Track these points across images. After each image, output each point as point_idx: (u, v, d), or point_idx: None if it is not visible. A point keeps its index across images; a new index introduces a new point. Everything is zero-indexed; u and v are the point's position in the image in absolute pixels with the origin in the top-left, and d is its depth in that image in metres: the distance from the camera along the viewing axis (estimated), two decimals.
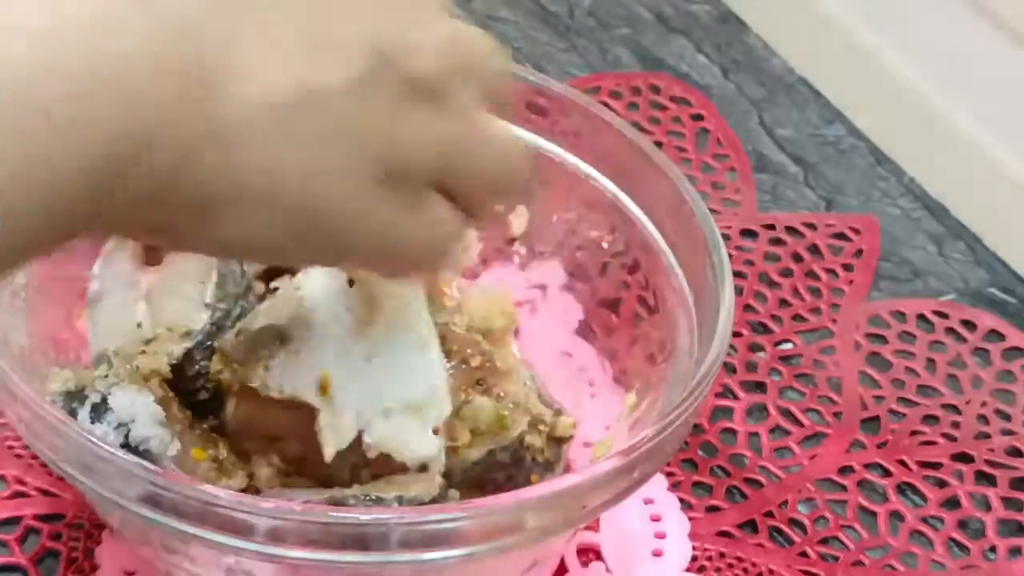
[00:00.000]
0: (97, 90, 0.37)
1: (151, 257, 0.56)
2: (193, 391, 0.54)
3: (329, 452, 0.51)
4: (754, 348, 0.70)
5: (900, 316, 0.72)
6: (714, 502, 0.64)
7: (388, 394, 0.51)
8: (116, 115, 0.37)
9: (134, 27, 0.38)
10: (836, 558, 0.62)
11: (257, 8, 0.41)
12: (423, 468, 0.52)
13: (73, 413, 0.52)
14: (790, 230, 0.76)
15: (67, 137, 0.36)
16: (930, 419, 0.68)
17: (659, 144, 0.78)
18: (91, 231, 0.40)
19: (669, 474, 0.64)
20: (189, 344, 0.54)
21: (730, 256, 0.57)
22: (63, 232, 0.39)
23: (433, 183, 0.45)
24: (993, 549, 0.63)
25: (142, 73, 0.38)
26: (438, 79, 0.43)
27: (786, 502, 0.64)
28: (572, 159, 0.62)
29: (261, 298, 0.55)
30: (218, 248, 0.45)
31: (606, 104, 0.79)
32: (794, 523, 0.63)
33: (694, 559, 0.61)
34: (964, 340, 0.72)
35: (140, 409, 0.52)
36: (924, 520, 0.64)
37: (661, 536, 0.61)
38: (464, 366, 0.54)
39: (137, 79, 0.38)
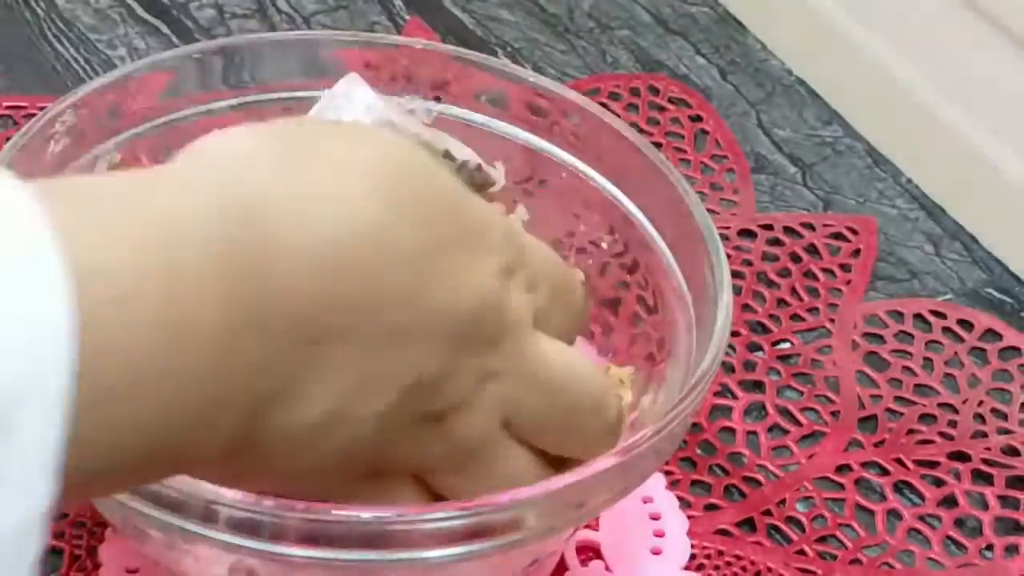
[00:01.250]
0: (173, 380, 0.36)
1: None
2: None
3: None
4: (752, 348, 0.70)
5: (897, 316, 0.73)
6: (713, 500, 0.64)
7: None
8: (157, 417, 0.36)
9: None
10: (834, 556, 0.62)
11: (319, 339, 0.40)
12: None
13: None
14: (788, 230, 0.76)
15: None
16: (927, 418, 0.68)
17: (658, 145, 0.78)
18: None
19: (668, 473, 0.64)
20: None
21: (728, 256, 0.57)
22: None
23: None
24: (990, 547, 0.63)
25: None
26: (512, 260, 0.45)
27: (784, 500, 0.64)
28: (571, 160, 0.62)
29: None
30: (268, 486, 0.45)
31: (605, 105, 0.79)
32: (792, 521, 0.63)
33: (693, 557, 0.61)
34: (961, 340, 0.72)
35: None
36: (921, 519, 0.64)
37: (660, 534, 0.61)
38: None
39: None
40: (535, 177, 0.64)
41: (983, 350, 0.72)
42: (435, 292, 0.42)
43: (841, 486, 0.65)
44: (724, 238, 0.73)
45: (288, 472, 0.42)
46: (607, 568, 0.60)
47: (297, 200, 0.39)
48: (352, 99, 0.56)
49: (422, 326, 0.41)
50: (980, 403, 0.69)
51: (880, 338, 0.72)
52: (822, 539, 0.63)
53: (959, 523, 0.64)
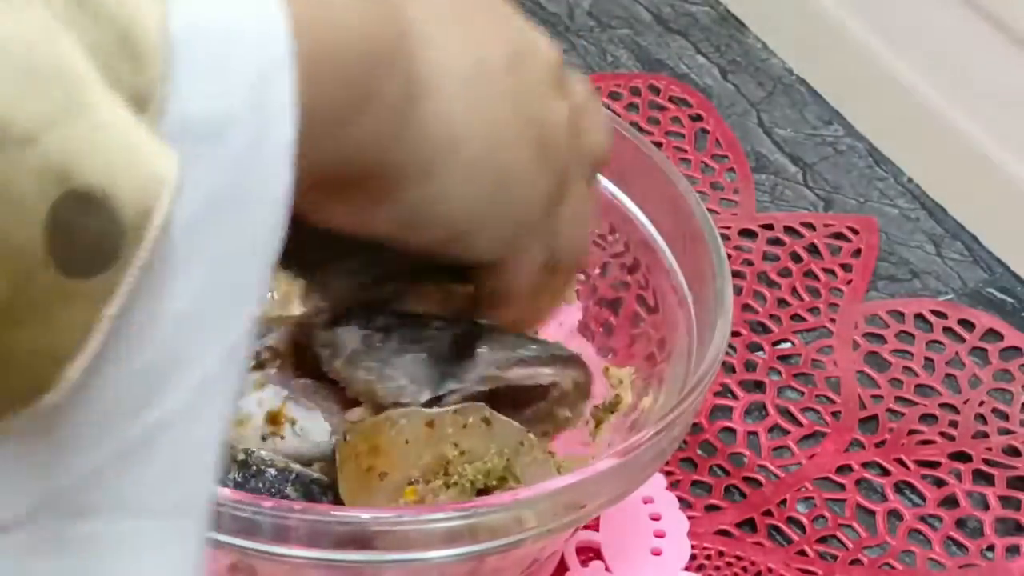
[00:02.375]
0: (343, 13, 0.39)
1: None
2: None
3: None
4: (753, 348, 0.70)
5: (898, 316, 0.73)
6: (713, 501, 0.64)
7: None
8: (361, 30, 0.39)
9: None
10: (834, 557, 0.62)
11: None
12: None
13: None
14: (789, 230, 0.76)
15: (332, 49, 0.38)
16: (928, 418, 0.68)
17: (658, 144, 0.78)
18: (322, 169, 0.40)
19: (668, 473, 0.64)
20: None
21: (729, 256, 0.57)
22: (314, 157, 0.38)
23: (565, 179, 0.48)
24: (991, 548, 0.63)
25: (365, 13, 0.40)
26: (563, 73, 0.48)
27: (785, 501, 0.64)
28: None
29: None
30: (410, 216, 0.45)
31: (606, 105, 0.79)
32: (793, 522, 0.63)
33: (693, 557, 0.61)
34: (962, 340, 0.72)
35: None
36: (922, 519, 0.64)
37: (660, 535, 0.61)
38: None
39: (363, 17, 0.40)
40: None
41: (984, 350, 0.72)
42: None
43: (842, 486, 0.65)
44: (725, 238, 0.73)
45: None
46: (607, 568, 0.60)
47: None
48: None
49: None
50: (981, 403, 0.69)
51: (881, 338, 0.71)
52: (823, 539, 0.63)
53: (960, 523, 0.64)
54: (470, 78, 0.44)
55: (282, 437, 0.52)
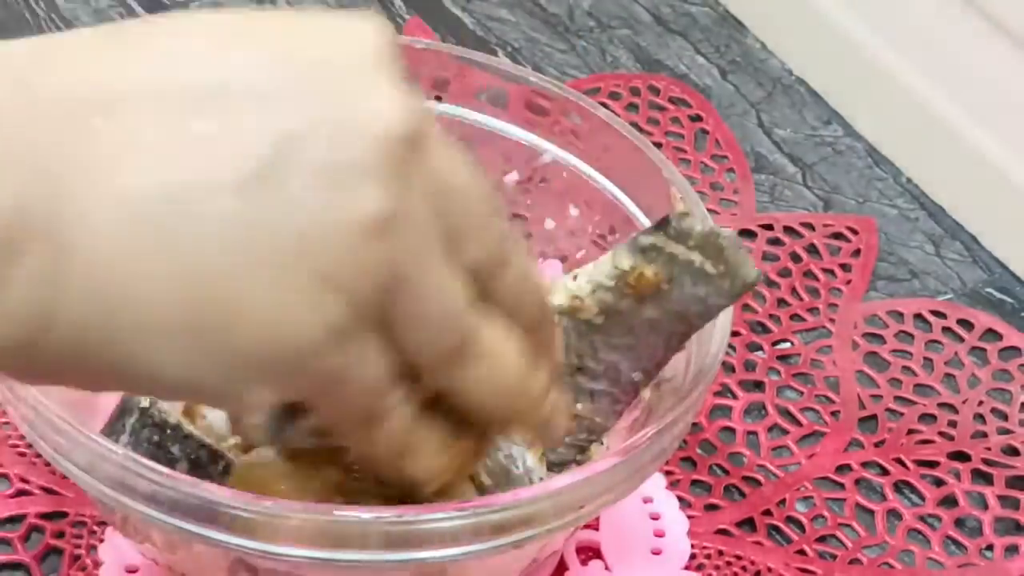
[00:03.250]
0: None
1: None
2: None
3: None
4: (752, 347, 0.70)
5: (897, 316, 0.73)
6: (713, 500, 0.64)
7: None
8: None
9: None
10: (834, 556, 0.62)
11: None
12: None
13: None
14: (788, 230, 0.76)
15: None
16: (927, 418, 0.68)
17: (658, 145, 0.78)
18: None
19: (668, 472, 0.64)
20: None
21: None
22: None
23: None
24: (990, 547, 0.63)
25: None
26: (403, 148, 0.37)
27: (784, 500, 0.64)
28: (572, 159, 0.62)
29: None
30: (122, 385, 0.38)
31: (605, 105, 0.79)
32: (792, 521, 0.63)
33: (693, 557, 0.61)
34: (961, 340, 0.72)
35: None
36: (921, 519, 0.64)
37: (660, 534, 0.61)
38: None
39: None
40: (535, 177, 0.64)
41: (983, 350, 0.72)
42: None
43: (841, 486, 0.65)
44: None
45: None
46: (607, 568, 0.60)
47: None
48: None
49: None
50: (980, 403, 0.69)
51: (880, 338, 0.72)
52: (822, 539, 0.63)
53: (959, 523, 0.64)
54: (151, 218, 0.34)
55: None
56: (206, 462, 0.51)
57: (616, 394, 0.54)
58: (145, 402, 0.51)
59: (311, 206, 0.35)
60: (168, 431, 0.51)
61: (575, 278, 0.53)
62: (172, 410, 0.52)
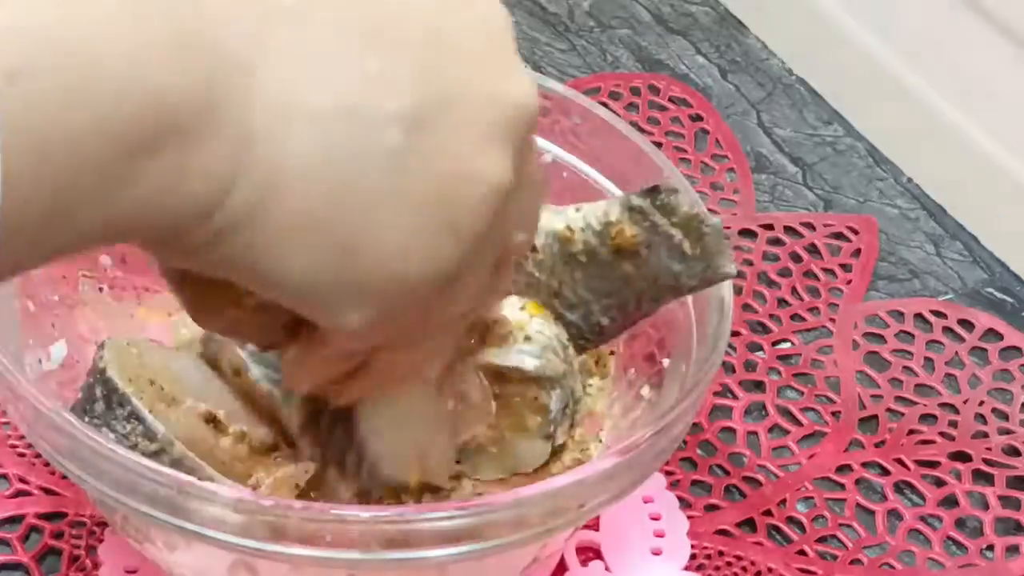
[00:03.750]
0: (95, 68, 0.34)
1: None
2: None
3: None
4: (753, 347, 0.70)
5: (898, 316, 0.73)
6: (713, 501, 0.64)
7: None
8: (113, 97, 0.35)
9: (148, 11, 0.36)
10: (834, 556, 0.62)
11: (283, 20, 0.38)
12: None
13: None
14: (788, 230, 0.76)
15: (70, 117, 0.34)
16: (928, 418, 0.68)
17: (658, 144, 0.78)
18: (109, 225, 0.36)
19: (668, 473, 0.64)
20: None
21: None
22: (82, 220, 0.36)
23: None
24: (991, 548, 0.63)
25: (167, 56, 0.35)
26: (527, 132, 0.41)
27: (784, 501, 0.64)
28: (572, 159, 0.62)
29: None
30: (238, 267, 0.40)
31: (605, 105, 0.79)
32: (792, 522, 0.63)
33: (693, 557, 0.61)
34: (962, 340, 0.72)
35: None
36: (922, 519, 0.64)
37: (660, 535, 0.61)
38: None
39: (136, 61, 0.35)
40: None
41: (984, 350, 0.72)
42: None
43: (842, 486, 0.65)
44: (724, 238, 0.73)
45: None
46: (607, 568, 0.60)
47: None
48: None
49: None
50: (981, 403, 0.69)
51: (881, 338, 0.71)
52: (823, 539, 0.63)
53: (960, 523, 0.64)
54: (321, 130, 0.37)
55: None
56: (139, 434, 0.51)
57: (583, 330, 0.56)
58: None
59: (454, 158, 0.39)
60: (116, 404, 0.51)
61: (577, 210, 0.55)
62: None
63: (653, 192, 0.53)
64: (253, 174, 0.37)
